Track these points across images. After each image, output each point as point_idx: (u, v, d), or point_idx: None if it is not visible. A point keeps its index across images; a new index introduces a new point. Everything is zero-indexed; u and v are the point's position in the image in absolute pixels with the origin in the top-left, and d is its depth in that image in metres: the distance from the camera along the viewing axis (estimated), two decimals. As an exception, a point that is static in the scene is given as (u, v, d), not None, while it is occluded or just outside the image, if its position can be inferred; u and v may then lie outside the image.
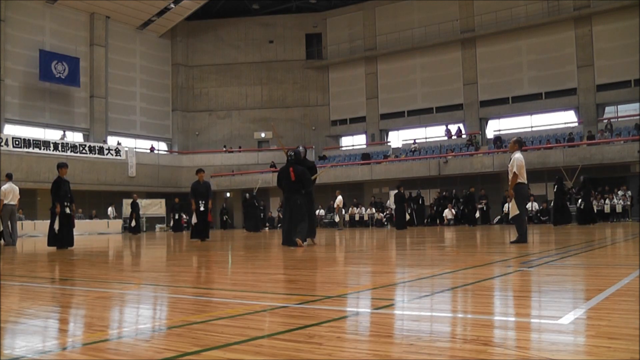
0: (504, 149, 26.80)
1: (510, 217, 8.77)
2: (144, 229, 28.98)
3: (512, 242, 8.64)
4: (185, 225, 26.61)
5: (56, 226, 10.91)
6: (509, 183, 8.84)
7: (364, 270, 5.51)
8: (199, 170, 13.49)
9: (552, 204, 20.72)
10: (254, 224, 22.33)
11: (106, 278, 5.29)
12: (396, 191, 20.13)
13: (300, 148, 10.34)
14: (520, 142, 9.23)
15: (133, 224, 23.89)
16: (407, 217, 21.19)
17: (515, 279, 4.32)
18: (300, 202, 9.44)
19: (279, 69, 35.91)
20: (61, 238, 10.87)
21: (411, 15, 32.78)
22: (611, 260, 5.97)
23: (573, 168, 22.99)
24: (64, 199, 11.01)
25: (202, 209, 13.19)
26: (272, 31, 36.16)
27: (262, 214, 24.04)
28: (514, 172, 8.62)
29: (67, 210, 11.03)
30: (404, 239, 12.30)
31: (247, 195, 23.45)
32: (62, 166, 11.28)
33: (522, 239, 8.54)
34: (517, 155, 8.79)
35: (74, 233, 11.49)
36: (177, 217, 26.33)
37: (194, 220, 13.37)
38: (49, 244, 10.95)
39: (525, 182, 8.79)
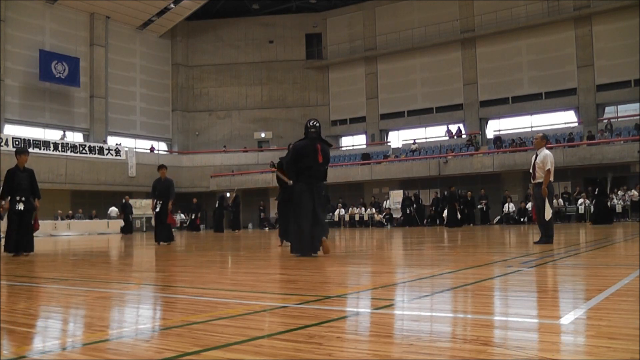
0: (504, 149, 26.82)
1: (546, 218, 8.15)
2: (144, 229, 29.00)
3: (536, 243, 8.30)
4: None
5: (2, 227, 8.93)
6: (535, 181, 8.26)
7: (364, 270, 5.50)
8: (161, 167, 12.48)
9: (591, 203, 21.16)
10: (218, 224, 24.33)
11: (106, 278, 5.29)
12: (447, 190, 22.18)
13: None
14: (547, 138, 8.76)
15: (122, 224, 24.23)
16: (459, 215, 22.24)
17: (515, 279, 4.32)
18: (325, 194, 6.74)
19: (279, 69, 35.91)
20: (15, 241, 8.68)
21: (411, 15, 32.77)
22: (611, 260, 5.96)
23: (573, 168, 23.02)
24: (15, 193, 8.74)
25: (157, 209, 12.07)
26: (272, 31, 36.15)
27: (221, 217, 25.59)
28: (548, 170, 8.15)
29: (20, 207, 8.72)
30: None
31: (219, 195, 25.55)
32: (19, 152, 8.98)
33: (549, 240, 8.17)
34: (547, 151, 8.33)
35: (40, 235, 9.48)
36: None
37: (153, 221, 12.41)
38: (5, 248, 8.77)
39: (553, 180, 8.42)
